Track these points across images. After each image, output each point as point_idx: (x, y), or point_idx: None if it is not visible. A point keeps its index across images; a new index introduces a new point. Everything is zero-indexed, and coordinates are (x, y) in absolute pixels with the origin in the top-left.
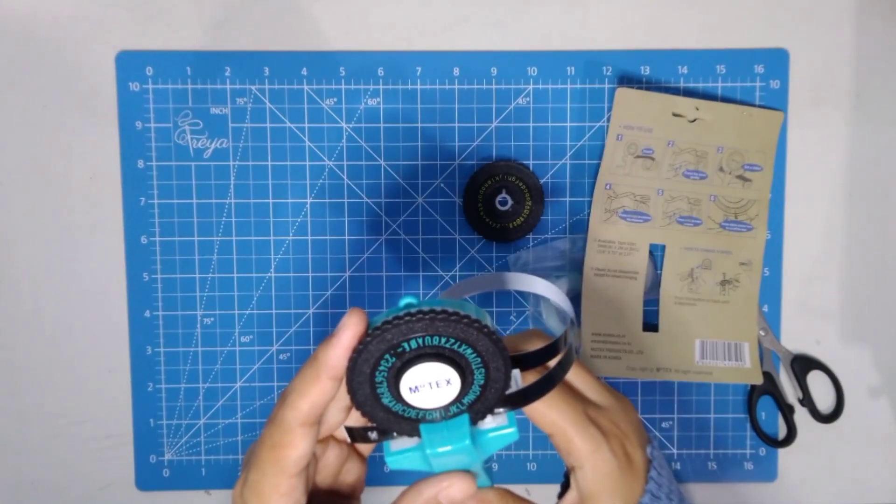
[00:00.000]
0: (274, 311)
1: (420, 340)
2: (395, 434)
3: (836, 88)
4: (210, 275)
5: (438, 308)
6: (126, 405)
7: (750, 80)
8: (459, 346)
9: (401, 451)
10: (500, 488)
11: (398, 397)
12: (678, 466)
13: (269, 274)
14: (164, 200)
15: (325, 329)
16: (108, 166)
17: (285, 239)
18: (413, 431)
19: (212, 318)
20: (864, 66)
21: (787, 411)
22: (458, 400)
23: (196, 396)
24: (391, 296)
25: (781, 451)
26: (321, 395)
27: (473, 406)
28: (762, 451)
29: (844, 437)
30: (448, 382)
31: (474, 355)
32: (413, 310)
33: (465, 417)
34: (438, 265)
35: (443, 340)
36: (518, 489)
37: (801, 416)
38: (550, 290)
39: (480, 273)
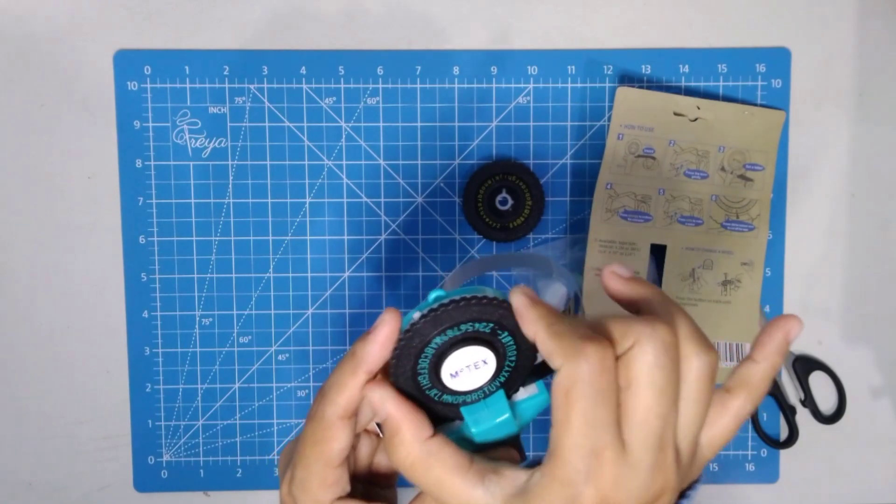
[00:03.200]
0: (273, 312)
1: (457, 328)
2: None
3: (838, 88)
4: (208, 275)
5: (468, 295)
6: (124, 406)
7: (751, 79)
8: (491, 328)
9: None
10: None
11: (440, 384)
12: None
13: (267, 274)
14: (162, 200)
15: (325, 329)
16: (106, 166)
17: (284, 239)
18: (454, 416)
19: (210, 319)
20: (867, 65)
21: (789, 412)
22: (494, 377)
23: (194, 397)
24: (390, 296)
25: (783, 452)
26: (358, 390)
27: (507, 382)
28: (764, 452)
29: (847, 437)
30: (485, 363)
31: (505, 333)
32: (445, 300)
33: (501, 393)
34: (438, 265)
35: (474, 325)
36: None
37: (803, 416)
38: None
39: (481, 257)
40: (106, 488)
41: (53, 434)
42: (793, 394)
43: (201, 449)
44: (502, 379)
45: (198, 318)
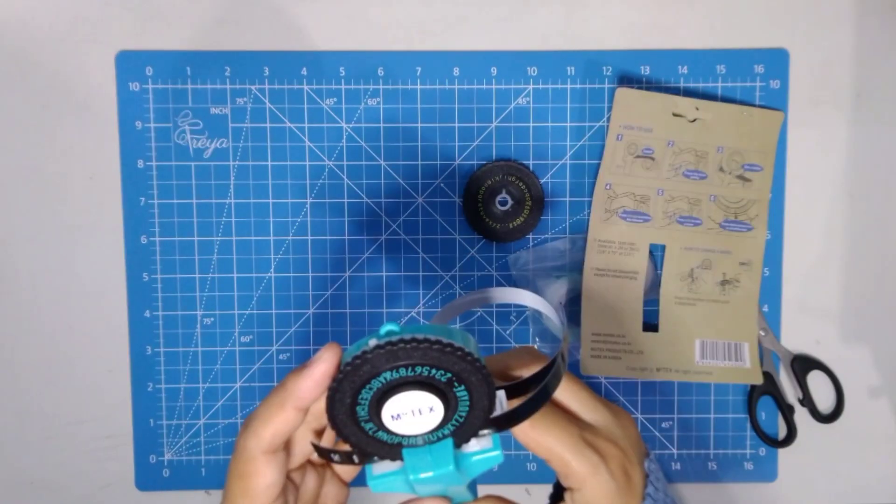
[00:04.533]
0: (274, 311)
1: (402, 370)
2: (375, 458)
3: (836, 88)
4: (210, 275)
5: (420, 336)
6: (126, 405)
7: (750, 80)
8: (442, 374)
9: (383, 476)
10: (490, 496)
11: (380, 425)
12: (678, 467)
13: (268, 274)
14: (163, 200)
15: (325, 329)
16: (108, 166)
17: (285, 239)
18: (395, 456)
19: (212, 318)
20: (864, 65)
21: (788, 411)
22: (441, 426)
23: (196, 396)
24: (391, 296)
25: (781, 452)
26: (284, 425)
27: (457, 431)
28: (762, 451)
29: (845, 437)
30: (431, 409)
31: (457, 381)
32: (394, 338)
33: (449, 442)
34: (438, 265)
35: (424, 369)
36: (518, 489)
37: (802, 416)
38: (537, 302)
39: (466, 293)
40: (107, 487)
41: (55, 433)
42: (791, 393)
43: (203, 448)
44: (450, 429)
45: (199, 318)
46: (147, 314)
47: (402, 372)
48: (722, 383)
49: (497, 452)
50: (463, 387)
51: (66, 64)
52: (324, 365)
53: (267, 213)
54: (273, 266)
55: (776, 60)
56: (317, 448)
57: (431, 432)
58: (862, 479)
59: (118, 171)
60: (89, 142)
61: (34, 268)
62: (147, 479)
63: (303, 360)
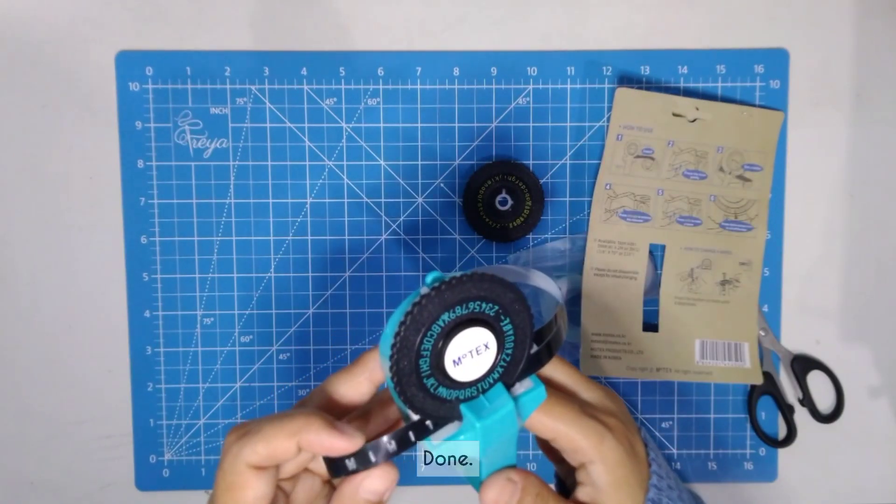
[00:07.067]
0: (274, 311)
1: (458, 309)
2: (430, 428)
3: (836, 88)
4: (210, 275)
5: (468, 273)
6: (126, 405)
7: (750, 80)
8: (490, 307)
9: (447, 440)
10: (512, 467)
11: (441, 377)
12: (678, 467)
13: (268, 274)
14: (163, 200)
15: (325, 329)
16: (108, 166)
17: (285, 239)
18: (454, 414)
19: (212, 318)
20: (865, 65)
21: (787, 411)
22: (494, 366)
23: (196, 396)
24: (391, 296)
25: (781, 451)
26: (284, 454)
27: (504, 372)
28: (762, 450)
29: (844, 437)
30: (486, 347)
31: (503, 314)
32: (445, 279)
33: (501, 385)
34: (438, 265)
35: (475, 304)
36: None
37: (801, 416)
38: (543, 280)
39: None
40: (107, 487)
41: (55, 433)
42: (791, 393)
43: (203, 448)
44: (499, 372)
45: (199, 318)
46: (147, 314)
47: (458, 311)
48: (722, 383)
49: (541, 388)
50: (508, 319)
51: (66, 64)
52: (347, 438)
53: (267, 213)
54: (273, 266)
55: (776, 60)
56: (330, 465)
57: (484, 377)
58: (862, 479)
59: (118, 171)
60: (89, 142)
61: (34, 267)
62: (147, 479)
63: (302, 360)
